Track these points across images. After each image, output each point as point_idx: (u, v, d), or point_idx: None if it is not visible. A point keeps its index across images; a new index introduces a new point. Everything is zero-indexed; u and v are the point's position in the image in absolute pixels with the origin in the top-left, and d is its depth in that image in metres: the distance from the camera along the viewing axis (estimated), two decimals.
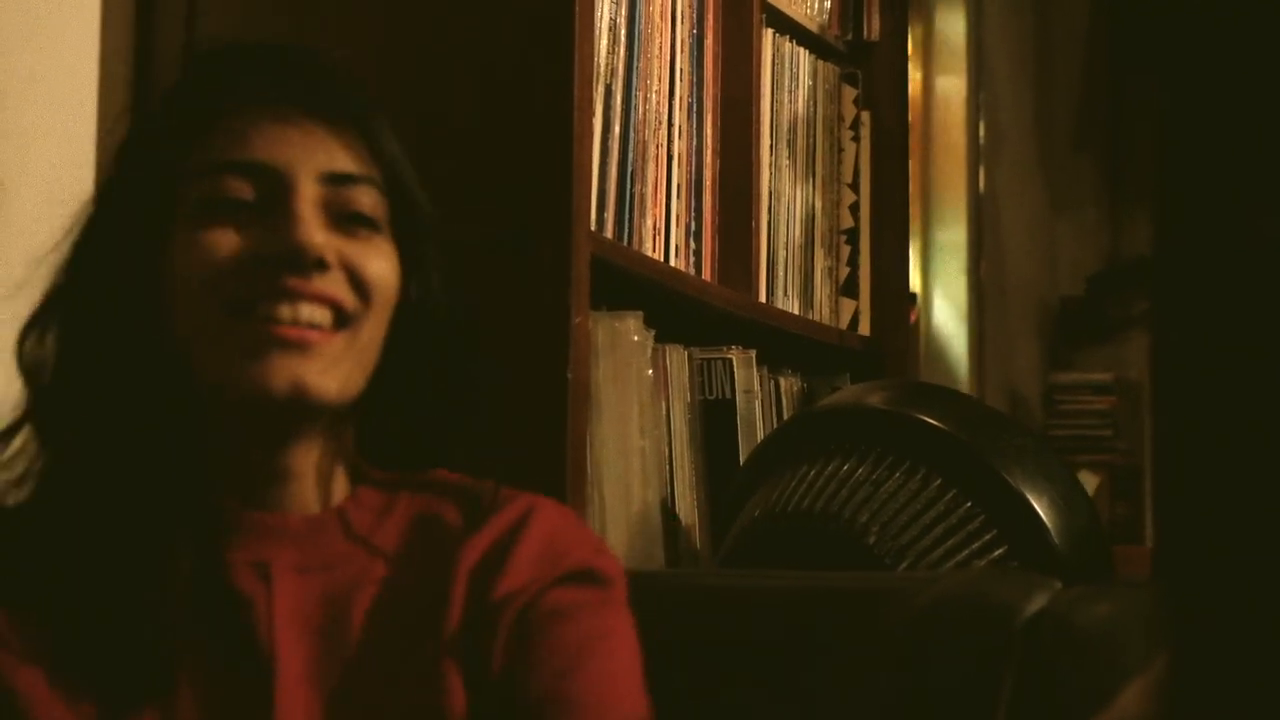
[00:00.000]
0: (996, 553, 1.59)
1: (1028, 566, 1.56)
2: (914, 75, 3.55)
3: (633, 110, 1.80)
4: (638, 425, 1.76)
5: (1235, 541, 0.48)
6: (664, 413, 1.84)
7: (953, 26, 3.77)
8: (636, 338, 1.77)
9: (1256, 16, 0.47)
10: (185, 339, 0.99)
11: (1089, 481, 3.69)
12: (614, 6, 1.77)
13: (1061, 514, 1.59)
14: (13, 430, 1.00)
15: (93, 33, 1.69)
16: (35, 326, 1.02)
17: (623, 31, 1.79)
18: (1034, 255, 4.21)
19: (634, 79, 1.81)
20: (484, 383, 1.07)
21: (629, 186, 1.79)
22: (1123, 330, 4.08)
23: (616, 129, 1.77)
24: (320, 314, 0.98)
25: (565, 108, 1.60)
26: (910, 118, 2.41)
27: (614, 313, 1.74)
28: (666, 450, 1.84)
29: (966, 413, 1.70)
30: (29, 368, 1.01)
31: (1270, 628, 0.47)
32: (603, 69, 1.75)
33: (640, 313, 1.77)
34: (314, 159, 0.99)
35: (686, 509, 1.86)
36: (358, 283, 1.00)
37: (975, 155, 3.77)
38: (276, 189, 0.99)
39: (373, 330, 1.01)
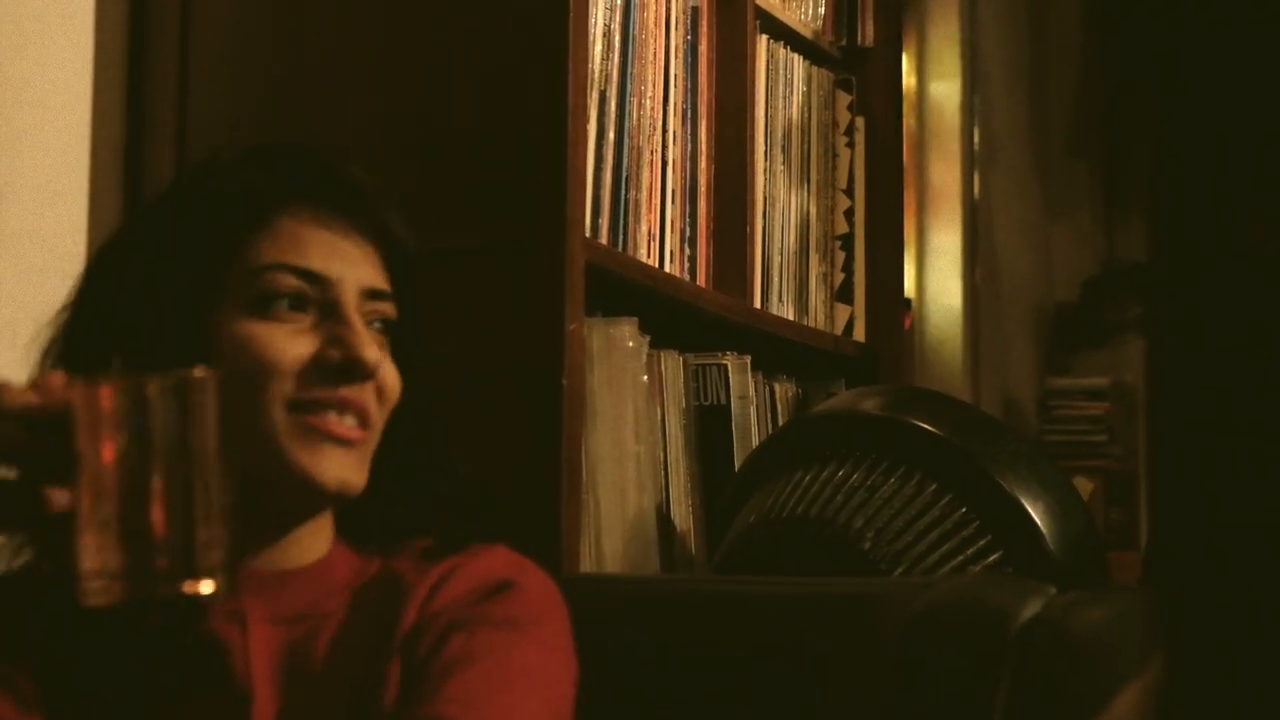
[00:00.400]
0: (991, 558, 1.59)
1: (1023, 572, 1.56)
2: (908, 81, 3.55)
3: (627, 116, 1.80)
4: (633, 431, 1.76)
5: (1231, 545, 0.48)
6: (659, 418, 1.84)
7: (947, 32, 3.77)
8: (631, 344, 1.77)
9: (1248, 25, 0.47)
10: (232, 421, 0.99)
11: (1083, 488, 3.69)
12: (608, 13, 1.77)
13: (1056, 519, 1.59)
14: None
15: (86, 38, 1.69)
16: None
17: (617, 38, 1.79)
18: (1029, 260, 4.21)
19: (628, 85, 1.81)
20: (457, 472, 1.17)
21: (623, 192, 1.79)
22: (1118, 335, 4.08)
23: (611, 135, 1.77)
24: (357, 418, 1.09)
25: (560, 114, 1.60)
26: (905, 123, 2.41)
27: (609, 319, 1.74)
28: (661, 456, 1.84)
29: (961, 418, 1.70)
30: None
31: (1265, 632, 0.47)
32: (597, 75, 1.75)
33: (635, 319, 1.77)
34: (357, 272, 1.10)
35: (681, 515, 1.86)
36: (379, 390, 1.10)
37: (970, 161, 3.77)
38: (328, 297, 1.08)
39: (381, 430, 1.11)
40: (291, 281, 1.08)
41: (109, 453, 0.83)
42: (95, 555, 0.83)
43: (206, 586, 0.84)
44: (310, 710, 1.06)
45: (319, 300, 1.08)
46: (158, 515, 0.83)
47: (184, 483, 0.83)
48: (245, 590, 1.08)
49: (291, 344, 1.07)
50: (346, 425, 1.07)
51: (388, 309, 1.11)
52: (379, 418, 1.10)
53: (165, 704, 1.04)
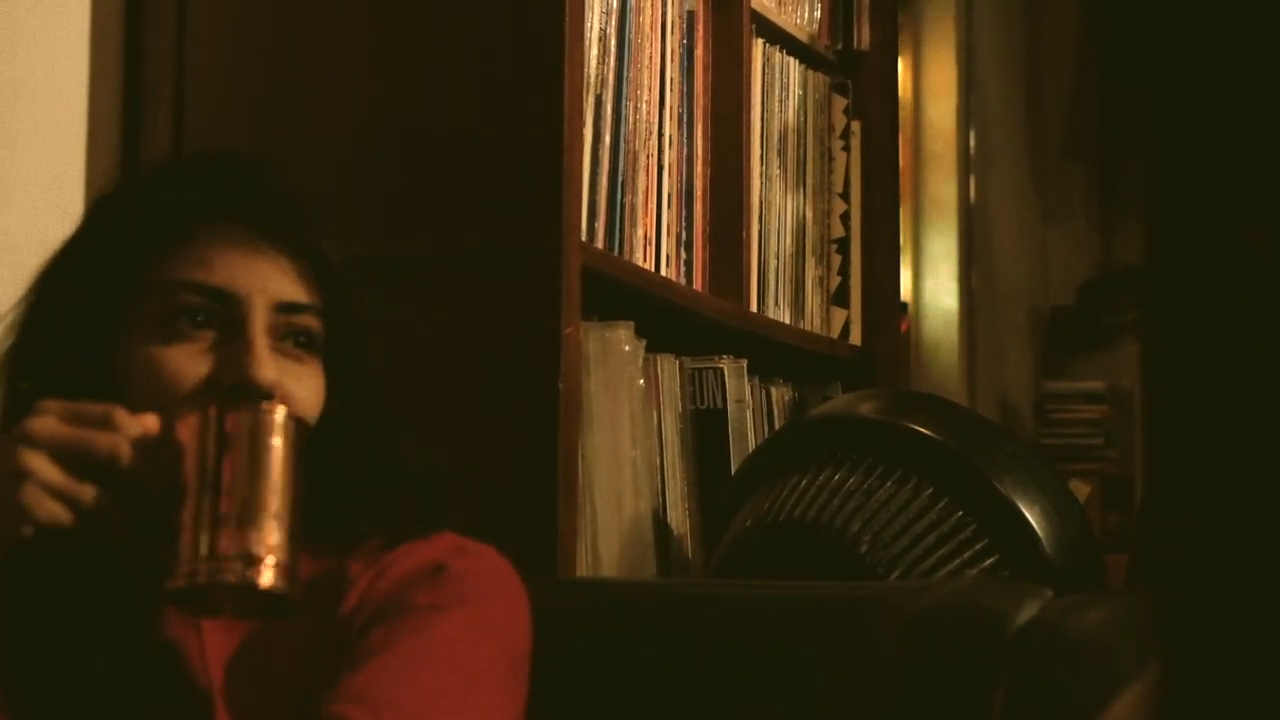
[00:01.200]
0: (988, 562, 1.59)
1: (1019, 575, 1.56)
2: (904, 84, 3.55)
3: (623, 120, 1.80)
4: (629, 435, 1.76)
5: (1228, 548, 0.48)
6: (655, 422, 1.84)
7: (943, 35, 3.77)
8: (628, 348, 1.76)
9: (1244, 26, 0.47)
10: None
11: (1080, 490, 3.69)
12: (604, 16, 1.77)
13: (1053, 523, 1.59)
14: None
15: (82, 38, 1.69)
16: None
17: (613, 41, 1.79)
18: (1025, 264, 4.21)
19: (624, 89, 1.81)
20: (411, 474, 1.15)
21: (619, 197, 1.79)
22: (1114, 339, 4.08)
23: (607, 139, 1.77)
24: None
25: (556, 118, 1.60)
26: (900, 127, 2.41)
27: (605, 323, 1.74)
28: (658, 460, 1.84)
29: (958, 422, 1.70)
30: None
31: (1263, 635, 0.47)
32: (593, 79, 1.75)
33: (631, 323, 1.77)
34: (270, 288, 1.08)
35: (678, 519, 1.86)
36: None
37: (966, 165, 3.78)
38: (234, 314, 1.07)
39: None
40: (194, 299, 1.07)
41: (206, 468, 1.00)
42: (192, 549, 0.98)
43: (268, 579, 0.97)
44: (267, 709, 1.07)
45: (225, 317, 1.07)
46: (246, 520, 0.98)
47: (267, 497, 0.99)
48: None
49: (190, 366, 1.06)
50: None
51: (309, 322, 1.10)
52: None
53: (126, 706, 1.05)
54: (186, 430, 1.00)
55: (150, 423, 1.01)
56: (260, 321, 1.07)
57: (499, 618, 1.10)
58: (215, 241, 1.08)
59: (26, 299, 1.11)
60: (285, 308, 1.09)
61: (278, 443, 1.00)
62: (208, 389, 1.05)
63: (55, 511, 0.98)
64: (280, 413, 1.01)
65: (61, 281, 1.11)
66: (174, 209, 1.09)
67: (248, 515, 0.98)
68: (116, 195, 1.13)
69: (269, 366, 1.06)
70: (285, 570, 0.98)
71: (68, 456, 0.98)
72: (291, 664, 1.08)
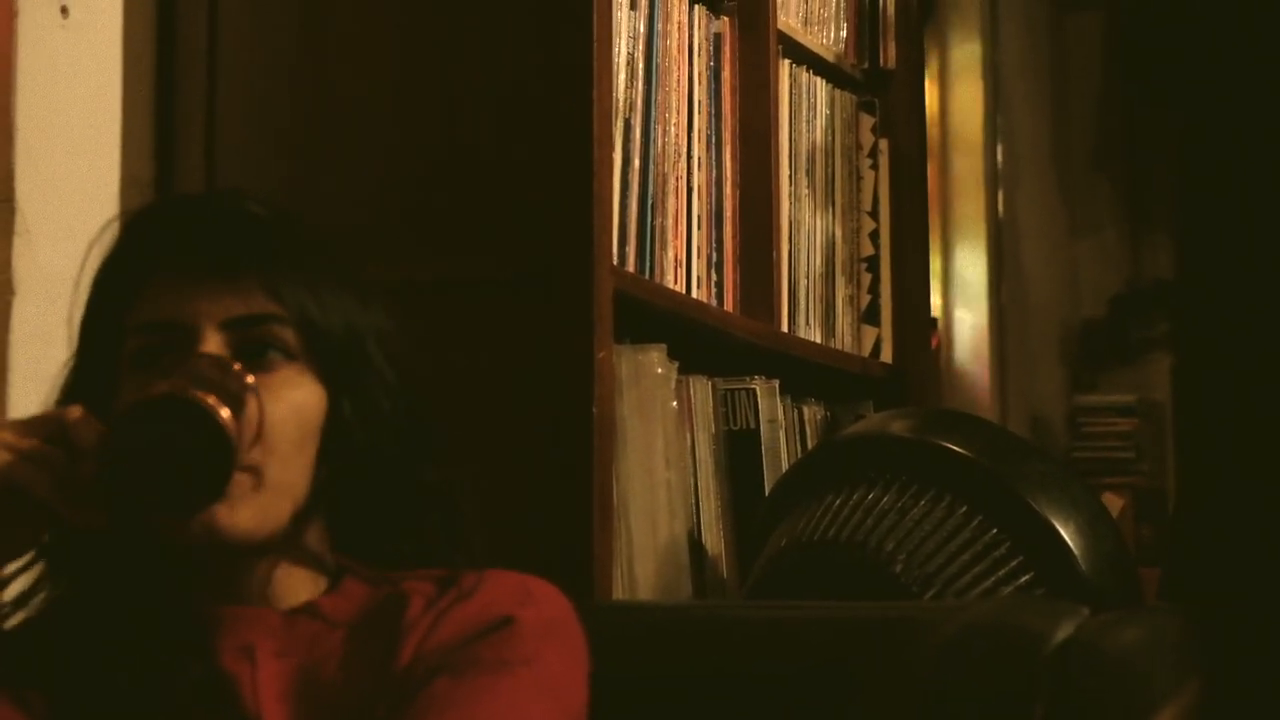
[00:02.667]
0: (1023, 579, 1.58)
1: (1055, 592, 1.55)
2: (931, 102, 3.55)
3: (652, 143, 1.81)
4: (663, 457, 1.76)
5: (1261, 562, 0.48)
6: (689, 444, 1.84)
7: (968, 52, 3.77)
8: (660, 370, 1.77)
9: (1271, 36, 0.47)
10: None
11: (1113, 504, 3.67)
12: (631, 41, 1.78)
13: (1087, 539, 1.58)
14: (25, 567, 1.11)
15: (114, 71, 1.70)
16: None
17: (640, 66, 1.80)
18: (1055, 278, 4.20)
19: (653, 112, 1.81)
20: (444, 483, 1.15)
21: (649, 219, 1.80)
22: (1145, 352, 4.06)
23: (636, 162, 1.78)
24: None
25: (585, 142, 1.61)
26: (928, 144, 2.41)
27: (637, 346, 1.74)
28: (692, 482, 1.84)
29: (990, 439, 1.69)
30: None
31: None
32: (621, 103, 1.75)
33: (664, 345, 1.77)
34: (216, 308, 1.09)
35: (713, 540, 1.86)
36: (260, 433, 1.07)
37: (994, 180, 3.77)
38: (185, 343, 1.08)
39: (281, 466, 1.08)
40: (148, 338, 1.09)
41: None
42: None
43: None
44: None
45: (179, 348, 1.09)
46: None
47: None
48: (253, 630, 1.10)
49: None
50: None
51: (274, 332, 1.10)
52: (264, 458, 1.07)
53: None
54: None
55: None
56: (211, 343, 1.08)
57: (562, 676, 1.09)
58: (165, 281, 1.10)
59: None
60: (238, 323, 1.09)
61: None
62: None
63: (27, 473, 1.02)
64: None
65: (77, 348, 1.15)
66: (131, 261, 1.12)
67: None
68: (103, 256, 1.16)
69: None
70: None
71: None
72: (344, 702, 1.08)
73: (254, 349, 1.09)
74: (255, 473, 1.07)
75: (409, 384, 1.14)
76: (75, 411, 1.05)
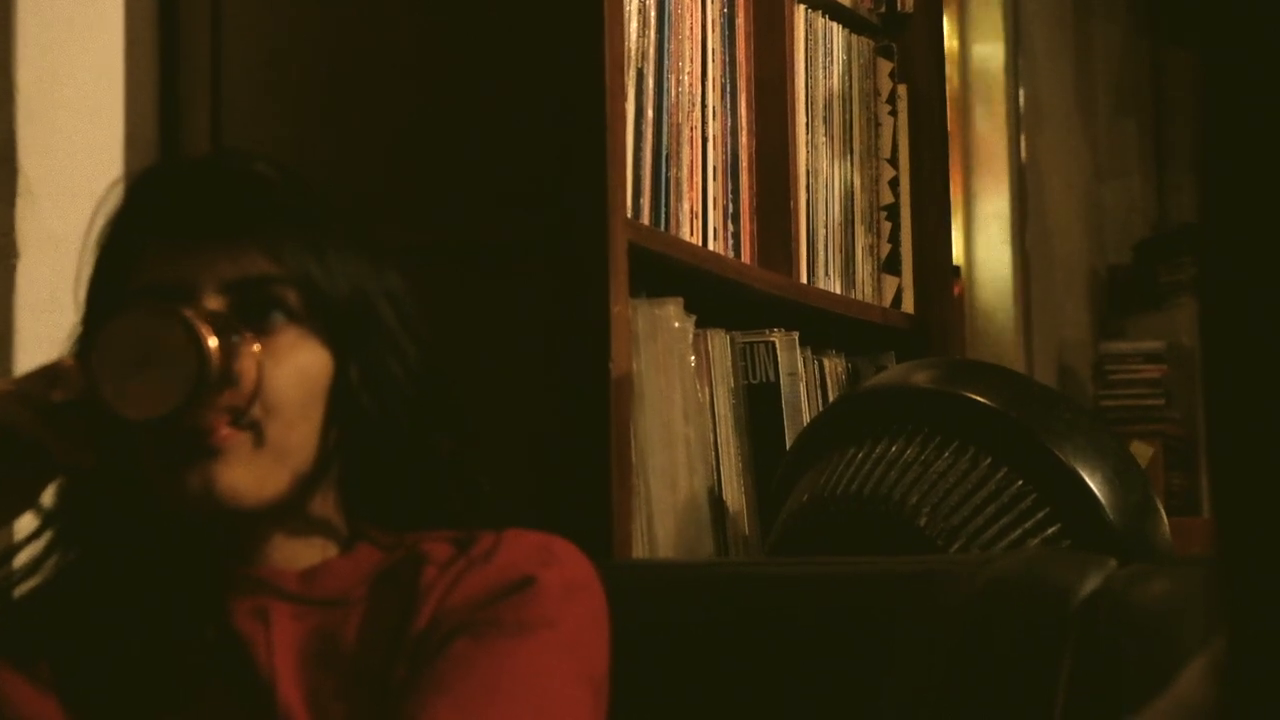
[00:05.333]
0: (1050, 531, 1.57)
1: (1082, 544, 1.54)
2: (950, 44, 3.50)
3: (665, 93, 1.78)
4: (681, 413, 1.75)
5: None
6: (708, 399, 1.83)
7: None
8: (677, 324, 1.75)
9: None
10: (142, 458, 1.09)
11: (1142, 453, 3.64)
12: None
13: (1115, 490, 1.56)
14: (36, 534, 1.11)
15: (116, 30, 1.68)
16: None
17: (652, 14, 1.77)
18: (1079, 224, 4.16)
19: (665, 61, 1.79)
20: (456, 445, 1.13)
21: (664, 171, 1.77)
22: (1173, 297, 4.03)
23: (649, 113, 1.75)
24: (219, 435, 1.06)
25: (597, 94, 1.59)
26: (948, 88, 2.37)
27: (653, 300, 1.73)
28: (711, 437, 1.82)
29: (1015, 389, 1.67)
30: None
31: None
32: (633, 53, 1.73)
33: (680, 299, 1.76)
34: (217, 270, 1.07)
35: (734, 496, 1.85)
36: (241, 385, 1.05)
37: (1016, 123, 3.73)
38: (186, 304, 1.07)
39: (284, 428, 1.07)
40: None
41: None
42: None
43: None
44: (335, 701, 1.06)
45: None
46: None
47: None
48: (268, 592, 1.09)
49: None
50: (209, 435, 1.05)
51: (281, 293, 1.08)
52: (266, 419, 1.06)
53: (187, 694, 1.05)
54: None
55: None
56: (212, 302, 1.06)
57: (584, 638, 1.08)
58: (166, 244, 1.09)
59: None
60: (237, 285, 1.07)
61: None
62: None
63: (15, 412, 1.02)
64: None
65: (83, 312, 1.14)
66: (134, 226, 1.11)
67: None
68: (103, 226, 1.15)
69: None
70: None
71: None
72: (359, 664, 1.07)
73: (257, 310, 1.07)
74: (256, 431, 1.05)
75: (423, 347, 1.12)
76: (66, 361, 1.05)
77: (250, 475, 1.05)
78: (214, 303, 1.06)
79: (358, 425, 1.09)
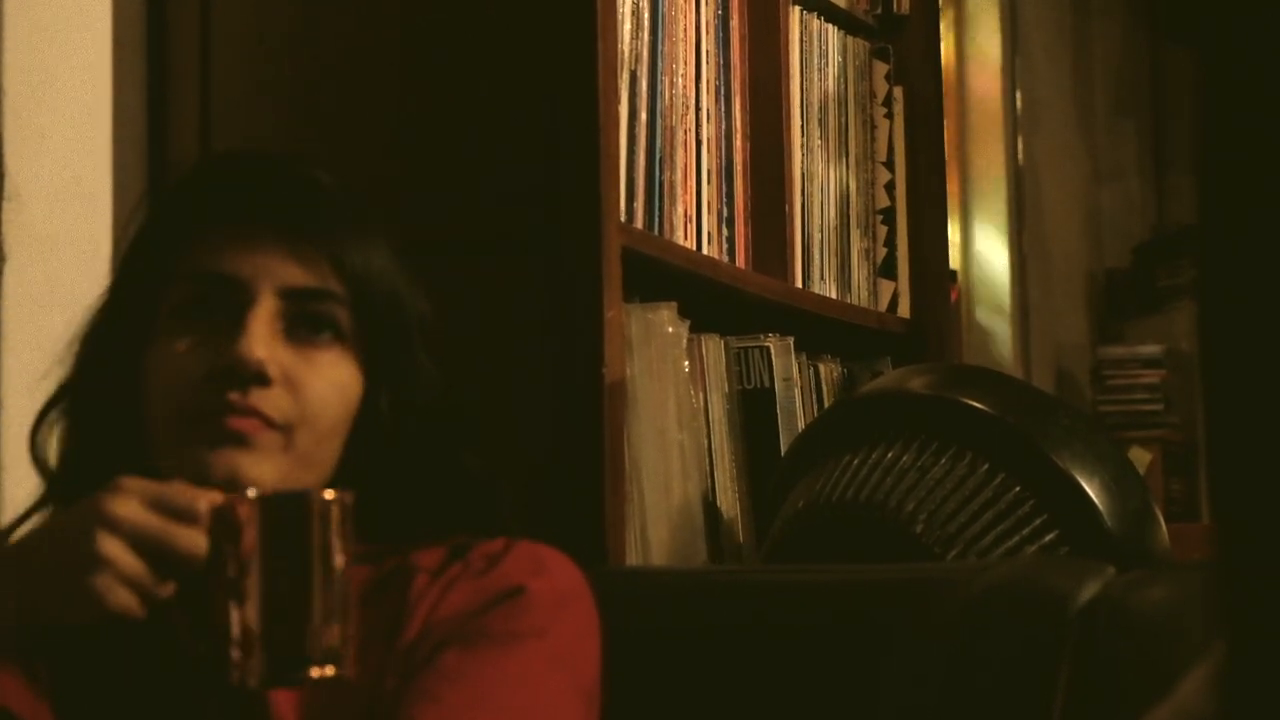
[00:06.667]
0: (1048, 538, 1.56)
1: (1080, 551, 1.53)
2: (947, 46, 3.50)
3: (659, 96, 1.77)
4: (675, 418, 1.74)
5: None
6: (702, 404, 1.82)
7: None
8: (671, 329, 1.74)
9: None
10: (153, 437, 1.08)
11: (1141, 458, 3.64)
12: None
13: (1113, 496, 1.55)
14: (28, 515, 1.10)
15: (104, 30, 1.67)
16: (43, 420, 1.13)
17: (646, 16, 1.76)
18: (1077, 227, 4.16)
19: (659, 64, 1.78)
20: (476, 477, 1.14)
21: (658, 174, 1.76)
22: (1172, 301, 4.02)
23: (643, 116, 1.74)
24: (257, 418, 1.06)
25: (590, 96, 1.58)
26: (945, 90, 2.36)
27: (647, 304, 1.72)
28: (706, 443, 1.81)
29: (1012, 394, 1.67)
30: (40, 460, 1.12)
31: None
32: (627, 55, 1.72)
33: (674, 303, 1.75)
34: (276, 273, 1.07)
35: (728, 502, 1.84)
36: (298, 399, 1.06)
37: (1013, 126, 3.72)
38: (239, 300, 1.06)
39: (313, 441, 1.07)
40: (197, 288, 1.07)
41: (255, 557, 0.98)
42: (244, 642, 0.98)
43: (330, 670, 0.97)
44: (328, 712, 1.05)
45: (229, 305, 1.07)
46: (294, 611, 0.98)
47: (309, 583, 0.98)
48: None
49: (186, 354, 1.06)
50: (240, 419, 1.05)
51: (328, 310, 1.08)
52: (299, 427, 1.06)
53: (178, 705, 1.04)
54: (240, 518, 0.99)
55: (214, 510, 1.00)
56: (265, 306, 1.06)
57: (575, 648, 1.08)
58: (233, 235, 1.08)
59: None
60: (296, 294, 1.07)
61: (346, 530, 0.98)
62: (204, 377, 1.05)
63: (128, 602, 0.96)
64: (325, 496, 0.99)
65: (108, 297, 1.13)
66: (196, 207, 1.10)
67: (319, 611, 0.98)
68: (154, 198, 1.14)
69: (260, 345, 1.05)
70: (346, 653, 0.98)
71: (147, 546, 0.97)
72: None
73: (309, 323, 1.08)
74: (288, 435, 1.06)
75: (446, 374, 1.14)
76: (202, 504, 0.99)
77: (276, 472, 1.05)
78: (267, 306, 1.06)
79: (376, 449, 1.10)
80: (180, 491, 0.98)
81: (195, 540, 0.97)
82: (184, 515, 0.97)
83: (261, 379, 1.05)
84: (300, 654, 0.97)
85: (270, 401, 1.05)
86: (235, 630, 0.97)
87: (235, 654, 0.97)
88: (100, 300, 1.12)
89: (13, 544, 1.02)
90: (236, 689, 0.99)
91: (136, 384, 1.08)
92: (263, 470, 1.04)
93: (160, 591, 0.97)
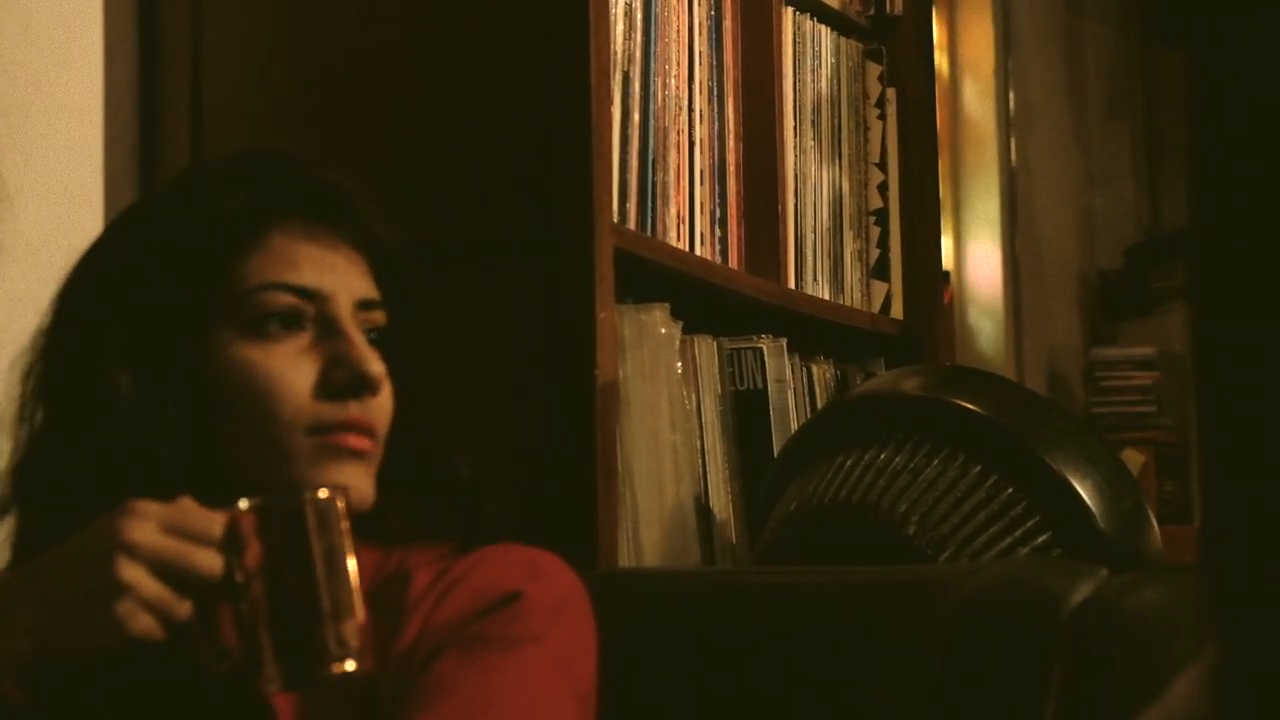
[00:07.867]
0: (1040, 539, 1.56)
1: (1073, 552, 1.53)
2: (940, 47, 3.50)
3: (652, 97, 1.77)
4: (668, 419, 1.74)
5: None
6: (695, 406, 1.82)
7: None
8: (664, 330, 1.74)
9: None
10: (240, 445, 1.07)
11: (1134, 460, 3.64)
12: None
13: (1106, 498, 1.55)
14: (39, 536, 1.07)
15: (96, 33, 1.67)
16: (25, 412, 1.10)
17: (639, 16, 1.76)
18: (1070, 228, 4.15)
19: (652, 65, 1.78)
20: (469, 480, 1.15)
21: (650, 175, 1.76)
22: (1165, 303, 4.01)
23: (636, 117, 1.74)
24: (367, 432, 1.08)
25: (583, 97, 1.58)
26: (937, 92, 2.36)
27: (640, 305, 1.72)
28: (698, 444, 1.81)
29: (1005, 396, 1.67)
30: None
31: None
32: (620, 56, 1.72)
33: (667, 304, 1.75)
34: (350, 285, 1.08)
35: (721, 504, 1.84)
36: (385, 409, 1.09)
37: (1006, 128, 3.72)
38: (325, 312, 1.07)
39: (380, 450, 1.10)
40: (285, 299, 1.06)
41: (261, 566, 0.98)
42: (262, 650, 0.98)
43: (350, 665, 0.97)
44: (325, 715, 1.05)
45: (315, 316, 1.07)
46: (305, 614, 0.98)
47: (317, 584, 0.98)
48: None
49: (295, 366, 1.06)
50: (358, 438, 1.07)
51: (379, 318, 1.10)
52: (384, 429, 1.09)
53: (175, 711, 1.04)
54: (244, 531, 0.99)
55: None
56: (350, 318, 1.07)
57: (572, 654, 1.08)
58: (295, 240, 1.08)
59: (64, 299, 1.09)
60: (363, 304, 1.09)
61: (345, 526, 0.99)
62: (323, 389, 1.06)
63: (150, 627, 0.95)
64: (320, 495, 1.00)
65: (121, 284, 1.08)
66: (250, 208, 1.07)
67: (329, 610, 0.98)
68: (178, 195, 1.10)
69: (376, 361, 1.07)
70: (362, 647, 0.98)
71: (166, 570, 0.96)
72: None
73: (371, 334, 1.09)
74: (380, 443, 1.08)
75: (441, 375, 1.16)
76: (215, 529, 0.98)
77: (371, 488, 1.08)
78: (348, 314, 1.07)
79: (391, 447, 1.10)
80: (195, 514, 0.97)
81: (213, 561, 0.96)
82: (201, 537, 0.96)
83: (377, 392, 1.07)
84: (318, 654, 0.97)
85: (379, 414, 1.08)
86: (251, 640, 0.97)
87: (254, 663, 0.97)
88: (93, 304, 1.08)
89: (23, 571, 1.00)
90: (249, 699, 0.99)
91: (197, 392, 1.05)
92: (368, 487, 1.07)
93: (179, 613, 0.96)
